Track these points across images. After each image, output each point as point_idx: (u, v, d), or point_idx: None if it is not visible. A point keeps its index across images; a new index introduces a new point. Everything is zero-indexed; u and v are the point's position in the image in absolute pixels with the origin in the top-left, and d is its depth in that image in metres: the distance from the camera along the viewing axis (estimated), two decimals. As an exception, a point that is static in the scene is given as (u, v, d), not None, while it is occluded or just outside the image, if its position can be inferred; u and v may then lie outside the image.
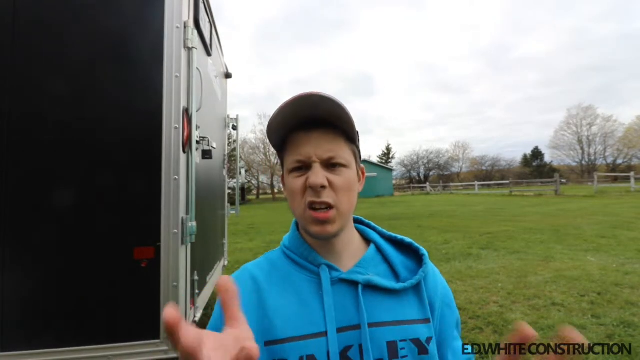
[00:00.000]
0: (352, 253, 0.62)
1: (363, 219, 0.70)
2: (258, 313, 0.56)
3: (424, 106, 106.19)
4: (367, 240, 0.66)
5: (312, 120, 0.56)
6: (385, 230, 0.68)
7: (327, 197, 0.54)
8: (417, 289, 0.59)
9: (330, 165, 0.56)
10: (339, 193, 0.55)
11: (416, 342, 0.55)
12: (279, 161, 0.68)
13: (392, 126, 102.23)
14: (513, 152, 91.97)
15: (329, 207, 0.54)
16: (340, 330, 0.54)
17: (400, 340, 0.54)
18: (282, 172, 0.65)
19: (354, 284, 0.57)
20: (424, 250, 0.64)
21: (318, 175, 0.54)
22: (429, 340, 0.56)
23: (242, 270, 0.64)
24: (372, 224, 0.70)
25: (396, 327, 0.55)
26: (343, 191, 0.56)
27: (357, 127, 0.61)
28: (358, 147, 0.63)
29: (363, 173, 0.65)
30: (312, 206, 0.54)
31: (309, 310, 0.55)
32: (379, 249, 0.64)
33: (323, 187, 0.54)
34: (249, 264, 0.66)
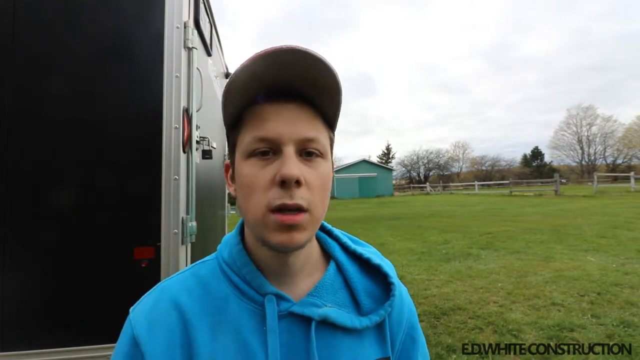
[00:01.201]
0: (308, 272, 0.50)
1: (324, 223, 0.54)
2: (184, 356, 0.43)
3: (424, 106, 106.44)
4: (327, 254, 0.54)
5: (287, 90, 0.42)
6: (349, 241, 0.55)
7: (300, 197, 0.40)
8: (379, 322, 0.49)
9: (306, 153, 0.43)
10: (315, 192, 0.42)
11: None
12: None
13: (392, 126, 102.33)
14: (513, 152, 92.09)
15: (300, 209, 0.41)
16: None
17: None
18: (229, 158, 0.48)
19: (306, 319, 0.45)
20: (393, 278, 0.51)
21: (293, 166, 0.40)
22: None
23: (160, 294, 0.47)
24: (335, 230, 0.56)
25: None
26: (319, 190, 0.43)
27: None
28: (334, 135, 0.50)
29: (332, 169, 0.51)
30: (280, 208, 0.40)
31: (248, 353, 0.43)
32: (339, 269, 0.52)
33: (298, 182, 0.40)
34: (172, 283, 0.49)
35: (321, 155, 0.44)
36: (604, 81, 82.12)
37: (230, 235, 0.52)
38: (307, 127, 0.42)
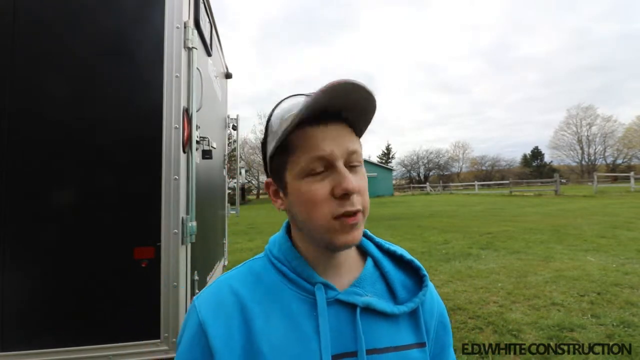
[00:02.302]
0: (349, 267, 0.56)
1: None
2: (242, 337, 0.48)
3: (424, 106, 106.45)
4: (363, 253, 0.60)
5: (328, 114, 0.48)
6: (382, 241, 0.62)
7: (357, 202, 0.47)
8: (413, 310, 0.55)
9: (350, 165, 0.49)
10: (363, 195, 0.49)
11: None
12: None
13: (393, 126, 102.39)
14: (513, 152, 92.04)
15: (358, 211, 0.48)
16: (335, 357, 0.48)
17: None
18: (274, 177, 0.54)
19: (351, 306, 0.51)
20: (424, 271, 0.58)
21: (352, 180, 0.46)
22: None
23: (220, 284, 0.54)
24: (368, 232, 0.62)
25: (393, 354, 0.51)
26: (365, 192, 0.50)
27: None
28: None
29: None
30: (344, 215, 0.47)
31: (301, 334, 0.48)
32: (376, 265, 0.58)
33: (355, 192, 0.47)
34: (227, 277, 0.55)
35: (360, 163, 0.51)
36: (604, 81, 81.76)
37: (278, 235, 0.59)
38: (349, 142, 0.49)
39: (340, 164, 0.47)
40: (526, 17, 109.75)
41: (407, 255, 0.59)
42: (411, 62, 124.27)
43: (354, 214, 0.47)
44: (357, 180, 0.49)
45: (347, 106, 0.48)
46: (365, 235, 0.61)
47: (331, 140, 0.48)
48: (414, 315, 0.55)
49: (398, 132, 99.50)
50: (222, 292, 0.52)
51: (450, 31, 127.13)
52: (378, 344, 0.50)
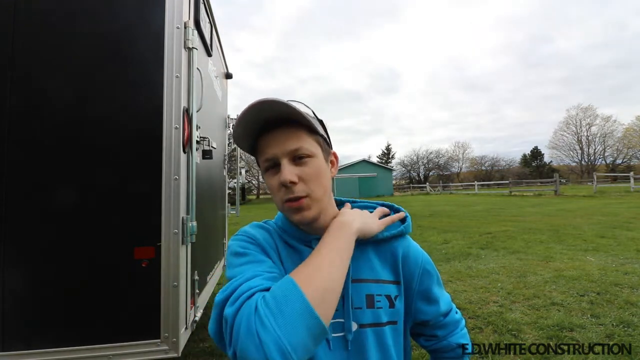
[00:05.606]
0: None
1: (349, 199, 0.78)
2: (276, 256, 0.65)
3: (437, 106, 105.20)
4: None
5: (272, 122, 0.61)
6: (369, 201, 0.77)
7: (299, 190, 0.60)
8: (394, 258, 0.70)
9: (297, 157, 0.60)
10: (310, 183, 0.61)
11: (388, 297, 0.67)
12: None
13: (405, 125, 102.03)
14: (523, 150, 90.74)
15: (300, 197, 0.60)
16: None
17: (377, 295, 0.66)
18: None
19: None
20: (407, 213, 0.75)
21: (286, 173, 0.58)
22: (396, 297, 0.68)
23: (251, 224, 0.71)
24: (357, 200, 0.78)
25: (375, 284, 0.67)
26: (313, 180, 0.61)
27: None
28: (323, 136, 0.67)
29: (336, 157, 0.72)
30: (287, 200, 0.60)
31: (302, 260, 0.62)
32: None
33: (293, 182, 0.59)
34: (253, 223, 0.71)
35: (309, 155, 0.61)
36: (620, 81, 79.85)
37: (279, 214, 0.74)
38: (292, 142, 0.60)
39: (283, 161, 0.60)
40: (544, 24, 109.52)
41: (389, 203, 0.77)
42: (412, 62, 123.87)
43: (295, 199, 0.60)
44: (302, 171, 0.60)
45: (280, 115, 0.59)
46: (353, 203, 0.77)
47: (275, 143, 0.61)
48: (394, 261, 0.70)
49: (408, 131, 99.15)
50: (258, 226, 0.69)
51: (451, 32, 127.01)
52: (363, 276, 0.66)
